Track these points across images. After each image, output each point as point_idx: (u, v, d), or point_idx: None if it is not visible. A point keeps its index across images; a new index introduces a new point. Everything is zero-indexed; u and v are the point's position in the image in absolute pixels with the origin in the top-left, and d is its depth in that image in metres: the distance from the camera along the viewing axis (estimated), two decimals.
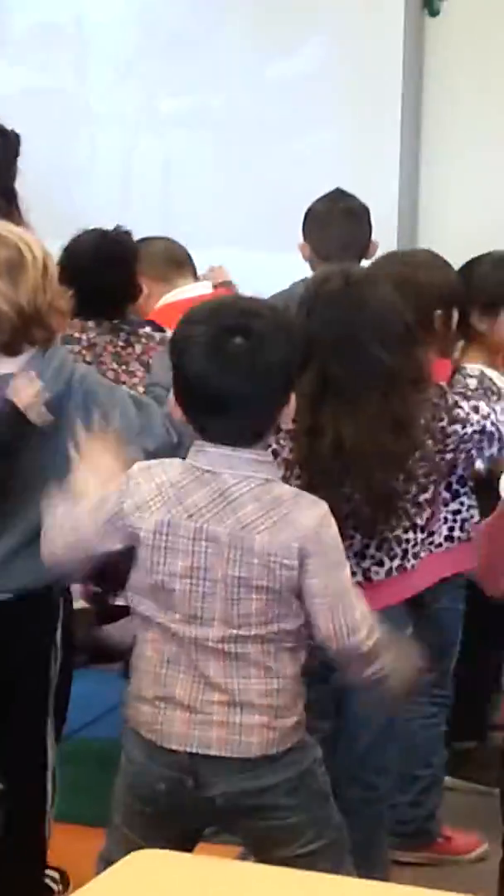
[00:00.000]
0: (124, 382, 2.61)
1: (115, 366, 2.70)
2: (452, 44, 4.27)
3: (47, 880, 2.43)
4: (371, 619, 1.68)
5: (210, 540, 1.63)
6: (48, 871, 2.43)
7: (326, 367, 1.97)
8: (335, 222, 3.15)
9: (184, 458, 1.71)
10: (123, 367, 2.70)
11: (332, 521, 1.68)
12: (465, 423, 2.20)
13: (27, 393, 2.04)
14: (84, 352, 2.68)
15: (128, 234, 2.88)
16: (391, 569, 2.11)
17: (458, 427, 2.19)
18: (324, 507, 1.67)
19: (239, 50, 4.43)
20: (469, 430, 2.21)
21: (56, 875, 2.46)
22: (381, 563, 2.11)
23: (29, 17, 4.72)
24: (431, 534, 2.29)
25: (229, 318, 1.66)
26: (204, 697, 1.66)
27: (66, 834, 2.49)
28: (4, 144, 3.66)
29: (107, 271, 2.73)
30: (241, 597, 1.63)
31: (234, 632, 1.64)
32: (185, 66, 4.46)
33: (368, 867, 1.91)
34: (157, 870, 1.52)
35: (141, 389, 2.64)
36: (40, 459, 2.05)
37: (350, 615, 1.65)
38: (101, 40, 4.63)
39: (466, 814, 2.77)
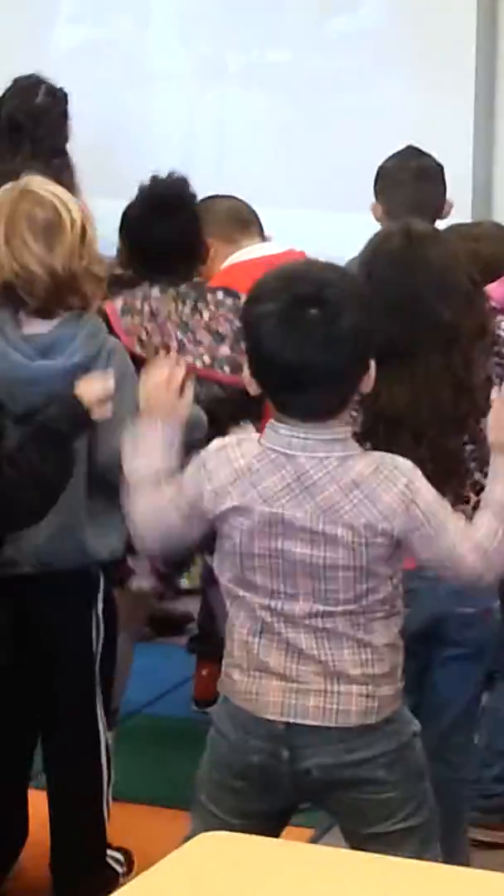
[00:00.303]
0: (189, 352, 2.51)
1: (179, 334, 2.58)
2: None
3: (110, 861, 2.39)
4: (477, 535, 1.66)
5: (287, 525, 1.61)
6: (111, 852, 2.39)
7: (387, 328, 1.88)
8: (408, 181, 3.07)
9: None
10: (190, 334, 2.58)
11: (420, 482, 1.63)
12: None
13: (96, 391, 2.02)
14: (147, 325, 2.57)
15: (183, 179, 2.73)
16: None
17: None
18: (407, 472, 1.63)
19: (304, 6, 4.35)
20: None
21: (119, 856, 2.41)
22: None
23: None
24: None
25: (302, 288, 1.61)
26: (300, 667, 1.64)
27: (131, 813, 2.46)
28: (53, 104, 3.61)
29: (161, 220, 2.61)
30: (327, 576, 1.61)
31: (321, 608, 1.62)
32: (248, 24, 4.39)
33: (448, 851, 1.87)
34: (224, 852, 1.47)
35: (207, 360, 2.55)
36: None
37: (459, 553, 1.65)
38: None
39: None
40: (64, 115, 3.61)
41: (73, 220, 2.08)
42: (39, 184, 2.17)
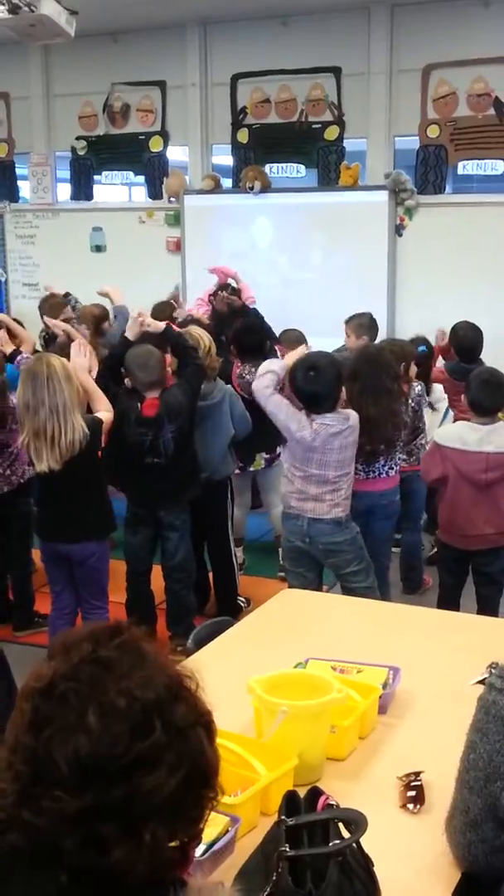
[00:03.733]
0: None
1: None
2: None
3: (240, 601, 5.61)
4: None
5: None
6: (240, 597, 5.61)
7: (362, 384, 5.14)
8: (367, 325, 6.45)
9: None
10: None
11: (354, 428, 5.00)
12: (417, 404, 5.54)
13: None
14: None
15: (262, 319, 6.26)
16: (393, 470, 5.37)
17: (413, 405, 5.51)
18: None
19: (319, 243, 7.95)
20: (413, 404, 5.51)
21: (244, 599, 5.63)
22: (391, 468, 5.35)
23: None
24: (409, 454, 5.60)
25: (312, 360, 4.68)
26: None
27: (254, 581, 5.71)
28: None
29: (253, 333, 6.09)
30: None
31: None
32: (306, 250, 8.01)
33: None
34: (293, 601, 4.00)
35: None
36: None
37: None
38: None
39: None
40: None
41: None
42: None
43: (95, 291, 6.63)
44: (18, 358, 5.21)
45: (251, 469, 6.00)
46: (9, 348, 5.33)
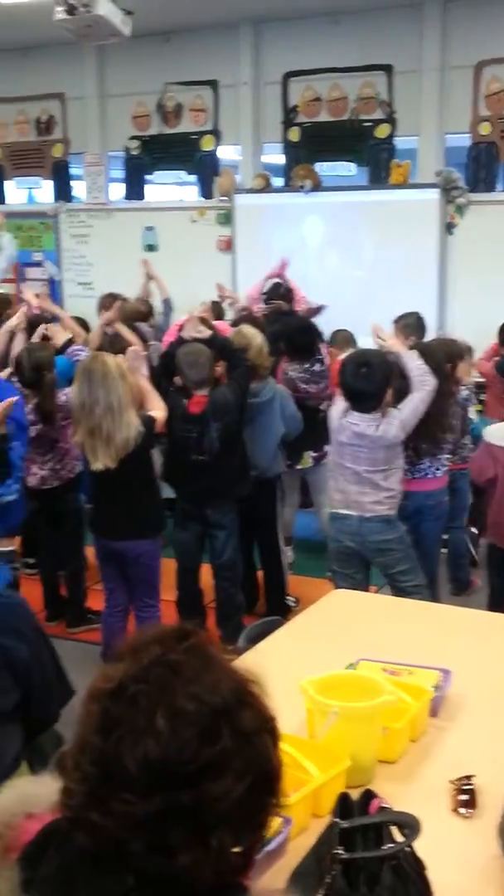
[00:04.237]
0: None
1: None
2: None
3: (289, 601, 5.63)
4: None
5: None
6: (288, 596, 5.64)
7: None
8: (414, 325, 6.46)
9: None
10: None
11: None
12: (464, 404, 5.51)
13: None
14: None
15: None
16: (440, 471, 5.31)
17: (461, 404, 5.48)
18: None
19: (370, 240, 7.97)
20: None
21: (293, 599, 5.66)
22: (438, 469, 5.29)
23: None
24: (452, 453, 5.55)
25: (362, 358, 4.67)
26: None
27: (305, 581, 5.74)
28: None
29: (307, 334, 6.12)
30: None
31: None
32: (357, 248, 7.99)
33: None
34: (343, 601, 4.04)
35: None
36: None
37: None
38: None
39: None
40: None
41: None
42: None
43: (144, 273, 6.72)
44: (71, 349, 5.23)
45: (299, 467, 6.01)
46: (62, 337, 5.34)
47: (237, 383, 4.94)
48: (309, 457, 5.98)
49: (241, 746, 1.13)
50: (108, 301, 6.75)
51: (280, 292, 6.81)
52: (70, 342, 5.29)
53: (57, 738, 2.93)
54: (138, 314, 6.64)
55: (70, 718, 3.35)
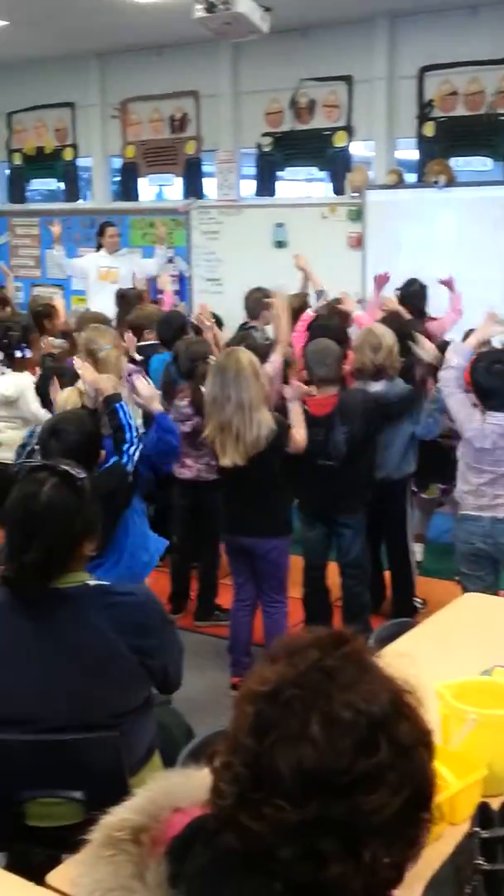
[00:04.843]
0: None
1: None
2: None
3: (416, 602, 5.56)
4: None
5: None
6: (416, 598, 5.56)
7: None
8: None
9: None
10: None
11: None
12: None
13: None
14: None
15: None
16: None
17: None
18: None
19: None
20: None
21: (420, 600, 5.58)
22: None
23: None
24: None
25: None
26: None
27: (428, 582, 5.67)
28: None
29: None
30: None
31: None
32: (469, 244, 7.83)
33: None
34: (476, 605, 4.00)
35: None
36: None
37: None
38: None
39: None
40: None
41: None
42: None
43: (295, 265, 6.78)
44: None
45: (424, 496, 5.93)
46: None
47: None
48: (436, 488, 5.90)
49: (397, 760, 1.10)
50: (256, 295, 6.73)
51: (411, 290, 6.73)
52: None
53: (187, 730, 2.98)
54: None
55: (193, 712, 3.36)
